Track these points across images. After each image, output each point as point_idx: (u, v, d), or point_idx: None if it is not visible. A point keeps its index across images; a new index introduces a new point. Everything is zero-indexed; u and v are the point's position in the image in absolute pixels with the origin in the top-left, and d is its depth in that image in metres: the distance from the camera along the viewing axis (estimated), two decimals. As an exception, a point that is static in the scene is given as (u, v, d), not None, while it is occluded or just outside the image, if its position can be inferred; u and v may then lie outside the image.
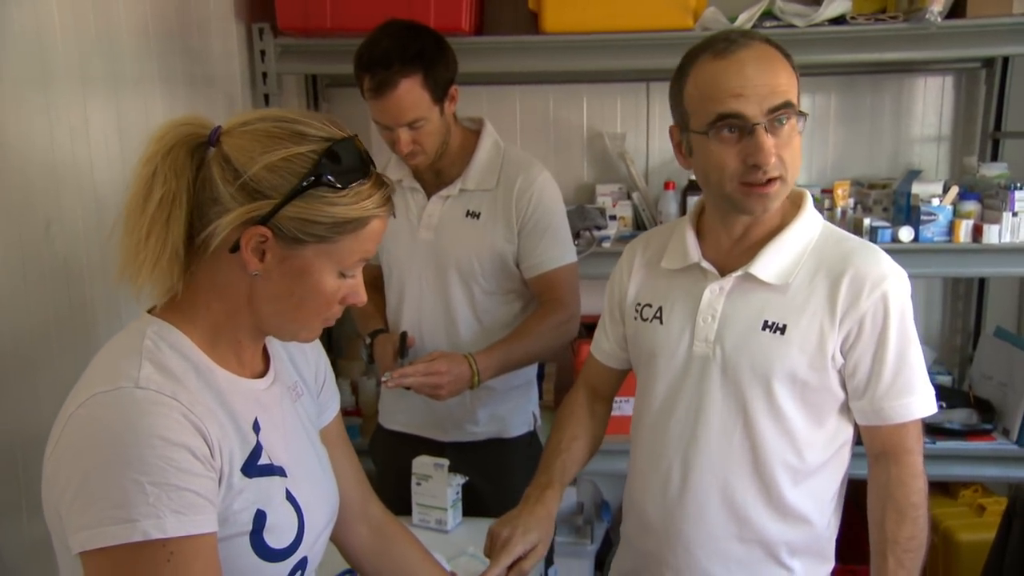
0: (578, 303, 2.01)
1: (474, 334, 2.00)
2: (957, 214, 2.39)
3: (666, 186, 2.67)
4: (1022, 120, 2.67)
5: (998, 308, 2.83)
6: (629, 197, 2.72)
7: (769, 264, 1.33)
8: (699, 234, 1.42)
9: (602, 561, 2.66)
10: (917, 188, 2.43)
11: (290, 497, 1.04)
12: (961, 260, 2.40)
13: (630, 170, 2.73)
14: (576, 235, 2.50)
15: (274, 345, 1.15)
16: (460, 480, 1.83)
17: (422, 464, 1.82)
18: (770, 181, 1.26)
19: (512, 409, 2.09)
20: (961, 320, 2.87)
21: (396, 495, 1.86)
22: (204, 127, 0.98)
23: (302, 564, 1.06)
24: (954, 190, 2.41)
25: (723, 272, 1.37)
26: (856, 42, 2.36)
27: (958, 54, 2.45)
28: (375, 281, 2.12)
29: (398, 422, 2.13)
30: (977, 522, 2.51)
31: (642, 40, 2.39)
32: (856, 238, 1.39)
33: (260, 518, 0.99)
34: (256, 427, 1.03)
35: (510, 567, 1.37)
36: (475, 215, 1.96)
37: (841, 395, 1.35)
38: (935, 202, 2.38)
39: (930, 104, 2.77)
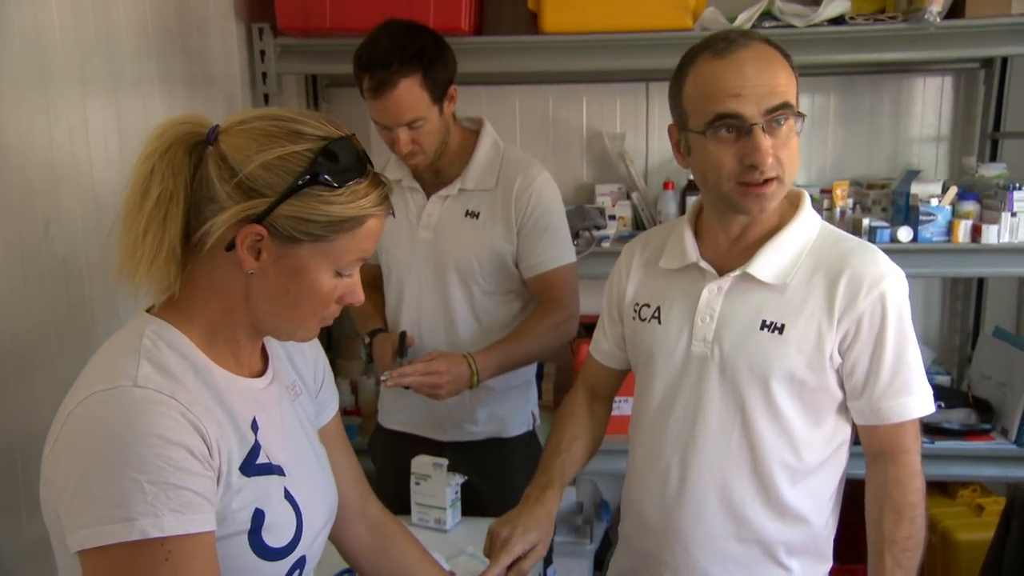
0: (577, 303, 2.02)
1: (473, 334, 2.00)
2: (956, 214, 2.39)
3: (665, 186, 2.67)
4: (1021, 120, 2.67)
5: (997, 308, 2.84)
6: (628, 197, 2.72)
7: (767, 264, 1.33)
8: (697, 234, 1.43)
9: (601, 561, 2.66)
10: (916, 188, 2.43)
11: (288, 496, 1.04)
12: (960, 260, 2.40)
13: (629, 170, 2.73)
14: (575, 235, 2.50)
15: (272, 344, 1.15)
16: (459, 479, 1.83)
17: (421, 463, 1.82)
18: (767, 181, 1.26)
19: (511, 409, 2.09)
20: (960, 320, 2.88)
21: (395, 494, 1.86)
22: (202, 126, 0.99)
23: (300, 563, 1.06)
24: (953, 190, 2.41)
25: (721, 272, 1.37)
26: (855, 42, 2.36)
27: (957, 54, 2.45)
28: (374, 280, 2.12)
29: (397, 421, 2.13)
30: (976, 522, 2.51)
31: (641, 40, 2.39)
32: (854, 238, 1.39)
33: (258, 517, 0.99)
34: (254, 426, 1.03)
35: (509, 567, 1.37)
36: (474, 215, 1.96)
37: (839, 395, 1.35)
38: (934, 202, 2.38)
39: (929, 104, 2.78)
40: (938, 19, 2.22)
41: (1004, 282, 2.83)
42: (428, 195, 2.00)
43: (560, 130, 2.88)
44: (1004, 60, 2.64)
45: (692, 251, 1.40)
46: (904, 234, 2.37)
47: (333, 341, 3.00)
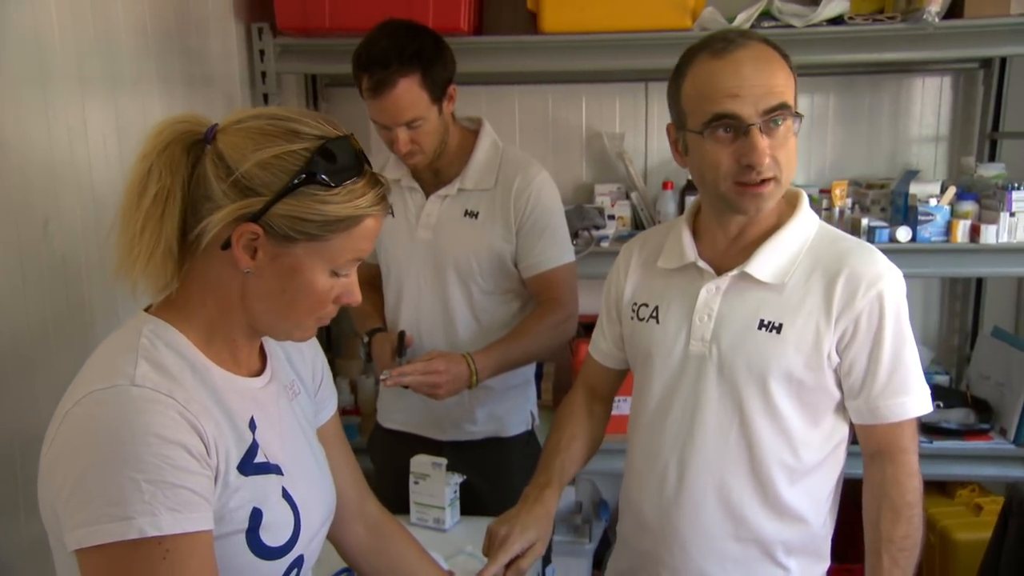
0: (576, 303, 2.02)
1: (472, 334, 2.00)
2: (954, 214, 2.39)
3: (664, 186, 2.67)
4: (1020, 120, 2.67)
5: (995, 308, 2.84)
6: (628, 197, 2.72)
7: (765, 263, 1.34)
8: (695, 234, 1.43)
9: (600, 560, 2.66)
10: (915, 188, 2.43)
11: (286, 495, 1.04)
12: (958, 260, 2.40)
13: (629, 170, 2.73)
14: (575, 235, 2.50)
15: (271, 344, 1.15)
16: (458, 479, 1.84)
17: (420, 463, 1.82)
18: (764, 181, 1.26)
19: (510, 408, 2.09)
20: (959, 320, 2.88)
21: (394, 494, 1.87)
22: (201, 125, 0.99)
23: (298, 562, 1.07)
24: (951, 190, 2.41)
25: (719, 271, 1.37)
26: (854, 42, 2.36)
27: (956, 54, 2.45)
28: (373, 280, 2.12)
29: (396, 421, 2.13)
30: (974, 521, 2.52)
31: (641, 40, 2.39)
32: (852, 238, 1.39)
33: (256, 516, 0.99)
34: (252, 425, 1.03)
35: (508, 565, 1.37)
36: (473, 215, 1.97)
37: (837, 394, 1.35)
38: (933, 202, 2.38)
39: (928, 104, 2.78)
40: (937, 19, 2.22)
41: (1003, 282, 2.83)
42: (427, 195, 2.00)
43: (559, 130, 2.89)
44: (1003, 60, 2.64)
45: (690, 251, 1.40)
46: (903, 234, 2.37)
47: (332, 340, 3.00)
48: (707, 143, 1.27)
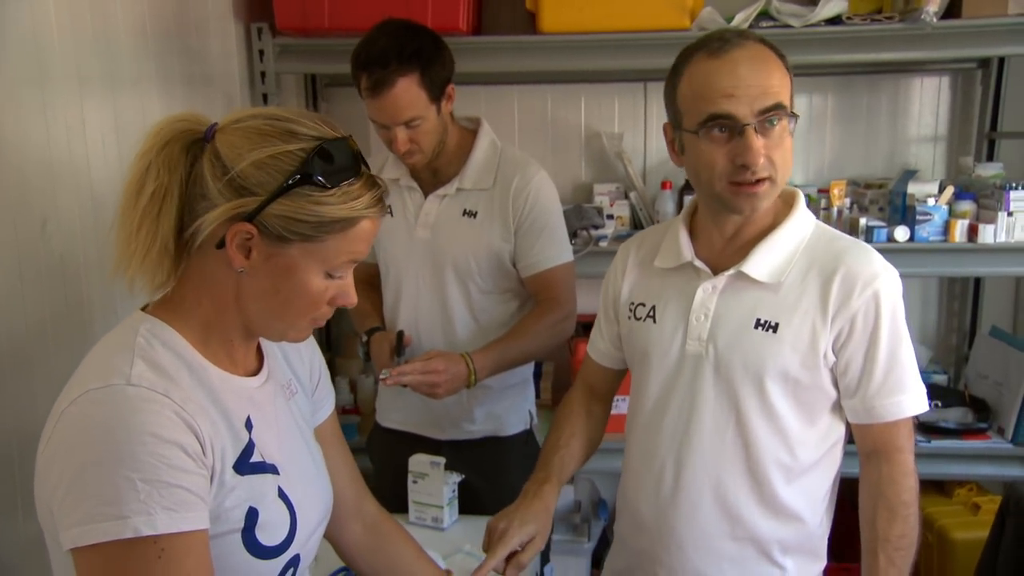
0: (574, 302, 2.02)
1: (471, 333, 2.00)
2: (953, 214, 2.39)
3: (663, 186, 2.68)
4: (1018, 120, 2.68)
5: (993, 308, 2.84)
6: (626, 196, 2.73)
7: (761, 263, 1.34)
8: (692, 233, 1.43)
9: (599, 559, 2.66)
10: (913, 188, 2.43)
11: (282, 495, 1.05)
12: (956, 260, 2.40)
13: (627, 169, 2.74)
14: (573, 234, 2.51)
15: (268, 343, 1.15)
16: (456, 478, 1.84)
17: (418, 462, 1.83)
18: (759, 181, 1.26)
19: (508, 407, 2.09)
20: (957, 319, 2.88)
21: (393, 493, 1.87)
22: (200, 124, 0.99)
23: (294, 562, 1.07)
24: (949, 190, 2.41)
25: (716, 271, 1.38)
26: (852, 42, 2.37)
27: (954, 54, 2.46)
28: (372, 279, 2.12)
29: (395, 420, 2.14)
30: (972, 520, 2.52)
31: (639, 40, 2.39)
32: (848, 237, 1.40)
33: (252, 515, 0.99)
34: (249, 425, 1.03)
35: (508, 560, 1.37)
36: (472, 214, 1.97)
37: (833, 393, 1.35)
38: (931, 202, 2.39)
39: (926, 104, 2.78)
40: (935, 19, 2.23)
41: (1001, 282, 2.83)
42: (426, 194, 2.00)
43: (558, 130, 2.89)
44: (1001, 60, 2.64)
45: (687, 250, 1.41)
46: (901, 234, 2.37)
47: (332, 340, 3.01)
48: (702, 143, 1.27)
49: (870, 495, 1.35)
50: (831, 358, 1.32)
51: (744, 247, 1.36)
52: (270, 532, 1.02)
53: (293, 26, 2.44)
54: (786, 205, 1.38)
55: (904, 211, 2.45)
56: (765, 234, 1.35)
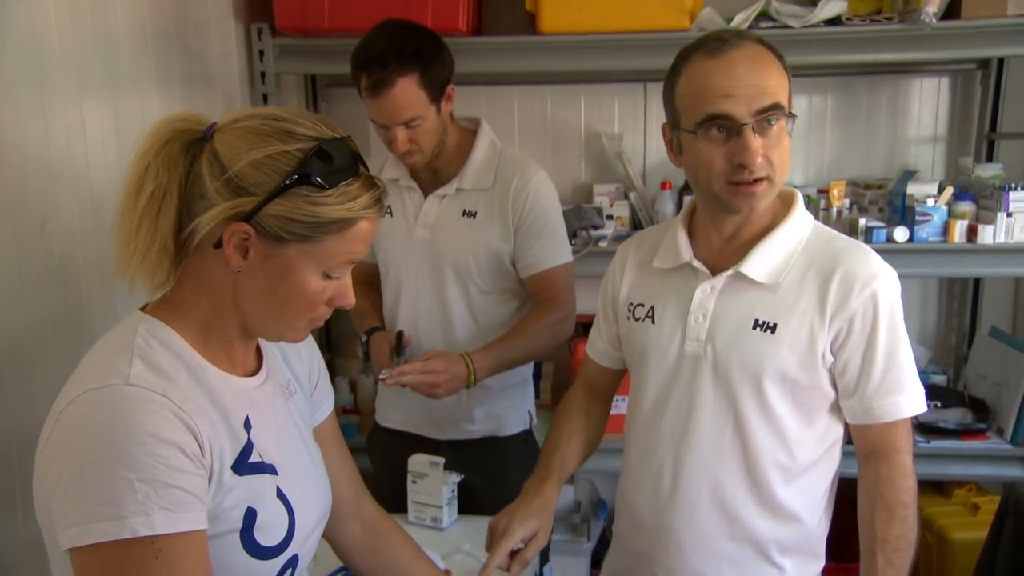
0: (574, 302, 2.02)
1: (470, 333, 2.00)
2: (952, 214, 2.40)
3: (663, 186, 2.68)
4: (1017, 121, 2.68)
5: (993, 308, 2.84)
6: (626, 197, 2.73)
7: (760, 263, 1.34)
8: (691, 234, 1.43)
9: (598, 559, 2.66)
10: (912, 188, 2.44)
11: (281, 495, 1.05)
12: (956, 260, 2.40)
13: (627, 170, 2.74)
14: (573, 235, 2.51)
15: (267, 343, 1.15)
16: (456, 478, 1.84)
17: (418, 462, 1.83)
18: (757, 181, 1.26)
19: (508, 407, 2.09)
20: (956, 320, 2.88)
21: (392, 493, 1.88)
22: (200, 123, 0.99)
23: (292, 562, 1.07)
24: (949, 190, 2.41)
25: (714, 271, 1.38)
26: (852, 43, 2.37)
27: (953, 55, 2.46)
28: (371, 279, 2.13)
29: (394, 420, 2.14)
30: (971, 521, 2.52)
31: (639, 41, 2.39)
32: (846, 237, 1.39)
33: (250, 516, 1.00)
34: (247, 425, 1.03)
35: (512, 556, 1.37)
36: (471, 214, 1.97)
37: (831, 394, 1.35)
38: (930, 202, 2.39)
39: (926, 105, 2.78)
40: (934, 20, 2.23)
41: (1000, 282, 2.83)
42: (425, 194, 2.00)
43: (558, 130, 2.89)
44: (1000, 61, 2.64)
45: (685, 251, 1.41)
46: (900, 234, 2.37)
47: (332, 340, 3.01)
48: (700, 143, 1.27)
49: (868, 496, 1.35)
50: (829, 358, 1.32)
51: (742, 248, 1.36)
52: (268, 532, 1.02)
53: (293, 26, 2.44)
54: (784, 206, 1.38)
55: (903, 212, 2.45)
56: (763, 235, 1.35)
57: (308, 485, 1.13)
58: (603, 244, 2.55)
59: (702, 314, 1.37)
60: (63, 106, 1.58)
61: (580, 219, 2.58)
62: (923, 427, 2.48)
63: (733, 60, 1.25)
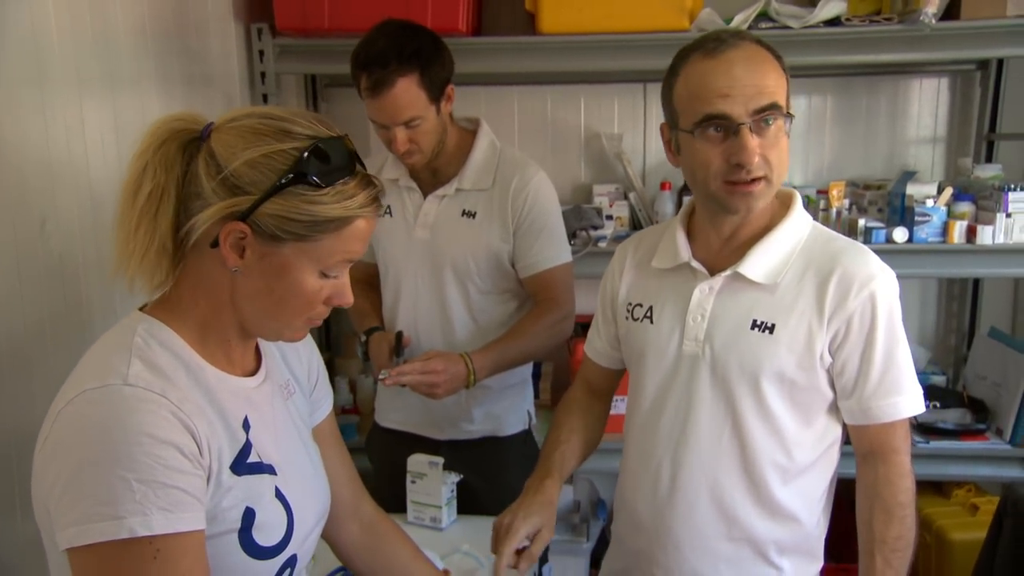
0: (573, 302, 2.02)
1: (470, 333, 2.01)
2: (951, 215, 2.40)
3: (662, 186, 2.68)
4: (1016, 122, 2.68)
5: (992, 309, 2.84)
6: (626, 197, 2.73)
7: (758, 264, 1.34)
8: (690, 234, 1.43)
9: (598, 559, 2.65)
10: (912, 189, 2.44)
11: (279, 495, 1.05)
12: (955, 261, 2.40)
13: (627, 170, 2.74)
14: (572, 235, 2.51)
15: (266, 343, 1.15)
16: (455, 478, 1.84)
17: (417, 462, 1.83)
18: (754, 180, 1.26)
19: (507, 407, 2.09)
20: (955, 320, 2.88)
21: (391, 493, 1.88)
22: (197, 123, 0.99)
23: (291, 562, 1.07)
24: (948, 191, 2.41)
25: (713, 272, 1.38)
26: (851, 44, 2.37)
27: (953, 56, 2.46)
28: (371, 279, 2.13)
29: (394, 420, 2.14)
30: (970, 521, 2.52)
31: (638, 41, 2.39)
32: (845, 238, 1.40)
33: (249, 516, 1.00)
34: (246, 425, 1.03)
35: (518, 554, 1.37)
36: (471, 215, 1.97)
37: (830, 394, 1.35)
38: (929, 203, 2.39)
39: (925, 106, 2.78)
40: (934, 21, 2.23)
41: (999, 283, 2.83)
42: (425, 194, 2.00)
43: (558, 130, 2.89)
44: (1000, 62, 2.64)
45: (684, 251, 1.41)
46: (899, 235, 2.38)
47: (331, 340, 3.01)
48: (698, 142, 1.27)
49: (867, 496, 1.35)
50: (827, 359, 1.32)
51: (741, 248, 1.36)
52: (267, 532, 1.02)
53: (293, 26, 2.44)
54: (783, 206, 1.38)
55: (903, 212, 2.45)
56: (762, 235, 1.35)
57: (307, 485, 1.13)
58: (603, 244, 2.55)
59: (700, 314, 1.37)
60: (63, 106, 1.58)
61: (580, 219, 2.58)
62: (922, 427, 2.48)
63: (731, 60, 1.25)
